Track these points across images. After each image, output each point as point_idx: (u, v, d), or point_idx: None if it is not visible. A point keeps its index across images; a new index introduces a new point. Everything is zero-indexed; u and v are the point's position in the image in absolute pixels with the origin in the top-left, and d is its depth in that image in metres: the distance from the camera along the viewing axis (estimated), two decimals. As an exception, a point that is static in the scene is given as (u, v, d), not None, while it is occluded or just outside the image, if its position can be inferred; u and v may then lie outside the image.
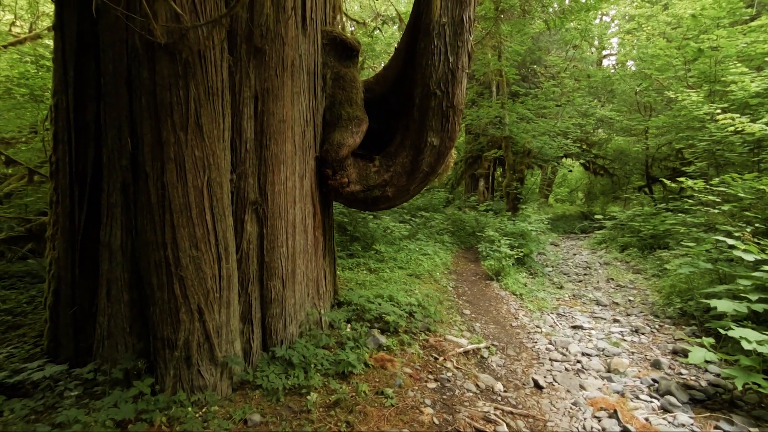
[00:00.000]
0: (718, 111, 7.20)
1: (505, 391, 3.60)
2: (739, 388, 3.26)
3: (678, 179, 6.96)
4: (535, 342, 4.87)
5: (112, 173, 2.94)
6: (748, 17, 9.74)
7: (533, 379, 3.88)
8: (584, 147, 15.38)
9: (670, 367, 4.20)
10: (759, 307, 3.80)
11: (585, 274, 8.34)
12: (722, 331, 3.67)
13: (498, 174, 16.16)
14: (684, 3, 11.07)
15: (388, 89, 4.38)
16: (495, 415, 3.10)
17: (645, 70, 11.70)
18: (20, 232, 5.40)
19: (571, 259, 9.89)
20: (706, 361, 3.67)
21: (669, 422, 3.27)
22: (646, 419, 3.31)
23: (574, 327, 5.42)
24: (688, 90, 8.94)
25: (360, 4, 14.58)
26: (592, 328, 5.36)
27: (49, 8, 9.18)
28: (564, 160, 16.80)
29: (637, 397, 3.67)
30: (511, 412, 3.21)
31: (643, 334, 5.10)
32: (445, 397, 3.26)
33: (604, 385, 3.89)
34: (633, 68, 14.92)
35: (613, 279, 7.76)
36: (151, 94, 2.74)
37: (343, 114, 4.01)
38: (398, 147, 4.05)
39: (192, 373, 2.86)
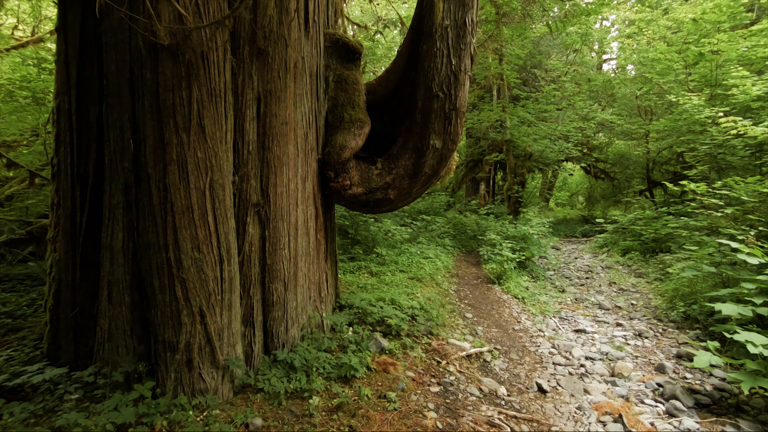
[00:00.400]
0: (720, 114, 7.20)
1: (508, 396, 3.57)
2: (746, 392, 3.23)
3: (680, 182, 6.94)
4: (538, 346, 4.84)
5: (114, 175, 2.93)
6: (748, 21, 9.77)
7: (537, 383, 3.84)
8: (585, 151, 15.40)
9: (674, 372, 4.17)
10: (764, 311, 3.77)
11: (587, 278, 8.31)
12: (727, 335, 3.65)
13: (499, 178, 16.16)
14: (684, 7, 11.11)
15: (390, 92, 4.38)
16: (499, 419, 3.07)
17: (646, 74, 11.72)
18: (21, 235, 5.39)
19: (573, 262, 9.86)
20: (712, 365, 3.64)
21: (675, 427, 3.23)
22: (652, 424, 3.28)
23: (577, 331, 5.39)
24: (689, 94, 8.95)
25: (361, 9, 14.63)
26: (595, 332, 5.33)
27: (52, 12, 9.22)
28: (565, 163, 16.80)
29: (642, 402, 3.63)
30: (515, 417, 3.18)
31: (646, 338, 5.06)
32: (448, 401, 3.23)
33: (608, 389, 3.85)
34: (633, 72, 14.96)
35: (615, 283, 7.73)
36: (154, 96, 2.73)
37: (346, 116, 4.00)
38: (400, 149, 4.04)
39: (193, 377, 2.83)
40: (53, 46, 7.77)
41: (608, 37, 18.67)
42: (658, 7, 14.30)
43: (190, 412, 2.64)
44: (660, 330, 5.26)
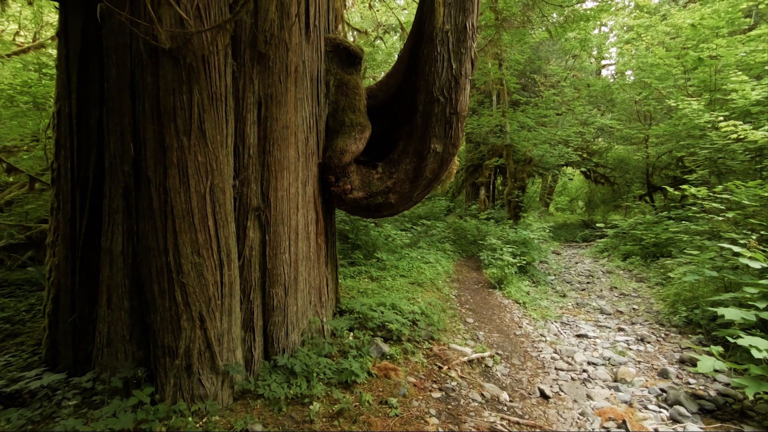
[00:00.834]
0: (720, 119, 7.21)
1: (510, 401, 3.53)
2: (750, 397, 3.21)
3: (680, 187, 6.94)
4: (540, 351, 4.81)
5: (114, 179, 2.92)
6: (746, 27, 9.81)
7: (539, 388, 3.81)
8: (585, 155, 15.41)
9: (677, 377, 4.14)
10: (767, 315, 3.75)
11: (588, 283, 8.28)
12: (731, 340, 3.62)
13: (499, 182, 16.17)
14: (683, 13, 11.16)
15: (391, 96, 4.38)
16: (501, 425, 3.04)
17: (645, 79, 11.76)
18: (20, 240, 5.37)
19: (574, 267, 9.84)
20: (715, 371, 3.61)
21: (679, 433, 3.20)
22: (656, 430, 3.24)
23: (579, 336, 5.36)
24: (689, 98, 8.96)
25: (361, 15, 14.71)
26: (597, 337, 5.30)
27: (53, 18, 9.26)
28: (565, 168, 16.82)
29: (646, 408, 3.60)
30: (518, 423, 3.15)
31: (649, 342, 5.03)
32: (450, 407, 3.20)
33: (611, 394, 3.82)
34: (632, 78, 15.00)
35: (616, 287, 7.70)
36: (155, 99, 2.73)
37: (346, 120, 4.00)
38: (401, 154, 4.03)
39: (192, 382, 2.80)
40: (54, 52, 7.80)
41: (607, 43, 18.75)
42: (657, 13, 14.38)
43: (190, 419, 2.61)
44: (662, 335, 5.23)
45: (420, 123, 3.89)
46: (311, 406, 2.83)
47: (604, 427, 3.26)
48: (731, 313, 3.79)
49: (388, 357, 3.74)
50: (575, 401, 3.66)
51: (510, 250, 8.19)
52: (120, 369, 2.86)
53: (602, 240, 11.50)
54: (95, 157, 3.11)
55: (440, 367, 3.83)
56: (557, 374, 4.23)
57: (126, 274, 2.93)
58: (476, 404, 3.33)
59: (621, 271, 8.91)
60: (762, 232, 5.30)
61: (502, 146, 13.48)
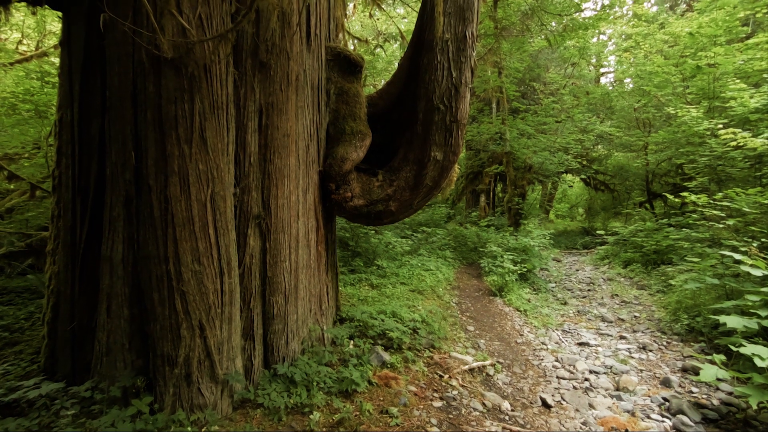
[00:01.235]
0: (720, 126, 7.23)
1: (512, 410, 3.50)
2: (754, 407, 3.18)
3: (680, 194, 6.94)
4: (541, 359, 4.78)
5: (115, 187, 2.92)
6: (744, 35, 9.88)
7: (541, 397, 3.78)
8: (584, 162, 15.44)
9: (680, 385, 4.11)
10: (769, 323, 3.73)
11: (589, 290, 8.26)
12: (733, 348, 3.60)
13: (499, 189, 16.18)
14: (680, 22, 11.25)
15: (391, 104, 4.40)
16: (503, 435, 3.01)
17: (643, 87, 11.82)
18: (20, 247, 5.37)
19: (574, 274, 9.81)
20: (718, 379, 3.59)
21: (682, 443, 3.17)
22: (659, 439, 3.21)
23: (580, 344, 5.33)
24: (688, 106, 9.00)
25: (362, 24, 14.83)
26: (599, 345, 5.27)
27: (56, 27, 9.34)
28: (564, 175, 16.84)
29: (648, 417, 3.57)
30: (520, 432, 3.12)
31: (650, 351, 5.00)
32: (451, 416, 3.18)
33: (613, 403, 3.79)
34: (631, 85, 15.08)
35: (617, 295, 7.67)
36: (156, 108, 2.74)
37: (347, 128, 4.02)
38: (402, 161, 4.05)
39: (192, 391, 2.78)
40: (57, 60, 7.85)
41: (606, 51, 18.89)
42: (655, 21, 14.50)
43: (189, 428, 2.59)
44: (664, 343, 5.20)
45: (420, 131, 3.91)
46: (311, 416, 2.81)
47: (606, 437, 3.23)
48: (733, 321, 3.77)
49: (389, 365, 3.72)
50: (577, 410, 3.64)
51: (510, 257, 8.18)
52: (119, 378, 2.84)
53: (603, 247, 11.48)
54: (96, 165, 3.11)
55: (441, 376, 3.80)
56: (559, 383, 4.20)
57: (126, 282, 2.92)
58: (477, 413, 3.30)
59: (622, 279, 8.88)
60: (763, 240, 5.30)
61: (502, 153, 13.51)
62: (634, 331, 5.72)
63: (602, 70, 20.40)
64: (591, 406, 3.73)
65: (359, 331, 4.20)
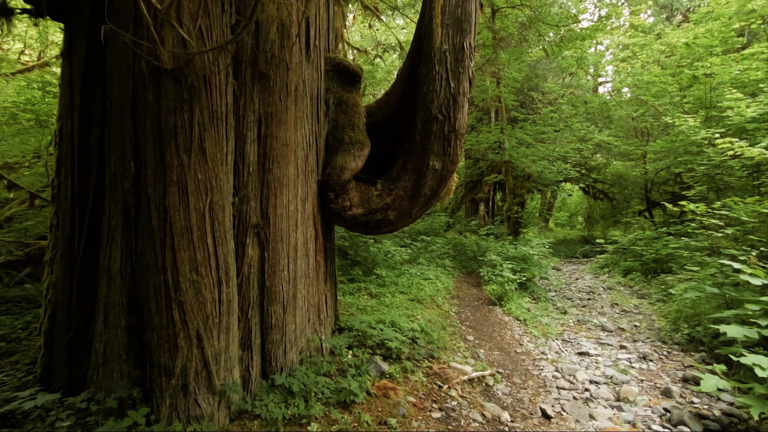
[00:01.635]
0: (717, 135, 7.27)
1: (512, 421, 3.47)
2: (755, 417, 3.15)
3: (679, 203, 6.95)
4: (541, 369, 4.75)
5: (114, 196, 2.93)
6: (740, 45, 9.98)
7: (541, 408, 3.75)
8: (583, 171, 15.49)
9: (681, 396, 4.08)
10: (770, 333, 3.71)
11: (589, 299, 8.23)
12: (734, 358, 3.58)
13: (498, 198, 16.20)
14: (677, 32, 11.37)
15: (390, 114, 4.43)
16: (503, 446, 2.98)
17: (641, 97, 11.90)
18: (19, 257, 5.35)
19: (574, 283, 9.78)
20: (719, 389, 3.56)
21: (684, 454, 3.14)
22: (660, 451, 3.18)
23: (581, 353, 5.30)
24: (685, 115, 9.06)
25: (361, 34, 14.97)
26: (599, 355, 5.24)
27: (58, 37, 9.42)
28: (563, 184, 16.87)
29: (649, 428, 3.54)
30: (520, 444, 3.09)
31: (651, 360, 4.97)
32: (450, 427, 3.15)
33: (614, 414, 3.76)
34: (629, 95, 15.19)
35: (617, 304, 7.64)
36: (156, 118, 2.76)
37: (346, 138, 4.04)
38: (400, 171, 4.06)
39: (189, 402, 2.76)
40: (58, 70, 7.90)
41: (603, 61, 19.05)
42: (651, 32, 14.65)
43: (185, 440, 2.57)
44: (665, 352, 5.17)
45: (419, 140, 3.93)
46: (309, 427, 2.78)
47: (607, 449, 3.20)
48: (733, 331, 3.75)
49: (388, 376, 3.70)
50: (577, 421, 3.60)
51: (510, 266, 8.16)
52: (115, 389, 2.82)
53: (602, 256, 11.47)
54: (96, 174, 3.12)
55: (440, 386, 3.78)
56: (559, 393, 4.17)
57: (124, 292, 2.91)
58: (477, 424, 3.27)
59: (622, 287, 8.86)
60: (762, 249, 5.30)
61: (501, 162, 13.56)
62: (635, 341, 5.69)
63: (600, 79, 20.56)
64: (591, 416, 3.70)
65: (358, 341, 4.18)
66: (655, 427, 3.54)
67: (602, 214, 17.33)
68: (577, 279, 10.34)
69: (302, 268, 3.60)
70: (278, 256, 3.34)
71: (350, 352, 3.96)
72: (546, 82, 16.09)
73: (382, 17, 9.95)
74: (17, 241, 5.66)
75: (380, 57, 12.27)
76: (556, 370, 4.71)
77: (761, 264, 4.63)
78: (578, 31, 11.25)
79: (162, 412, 2.72)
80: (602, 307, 7.60)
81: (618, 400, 4.05)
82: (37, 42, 9.72)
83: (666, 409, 3.79)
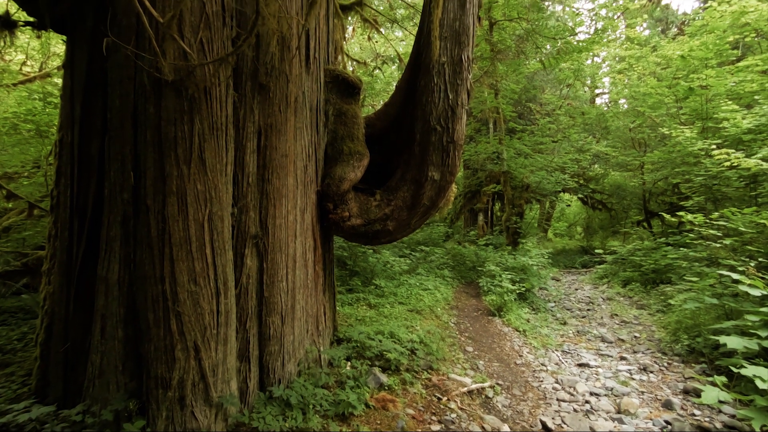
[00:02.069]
0: (713, 147, 7.32)
1: (512, 434, 3.44)
2: (757, 430, 3.13)
3: (677, 213, 6.98)
4: (541, 381, 4.71)
5: (113, 207, 2.93)
6: (734, 58, 10.11)
7: (541, 420, 3.72)
8: (581, 182, 15.55)
9: (682, 408, 4.04)
10: (770, 344, 3.70)
11: (588, 310, 8.20)
12: (734, 369, 3.57)
13: (497, 208, 16.22)
14: (672, 45, 11.51)
15: (389, 125, 4.46)
16: (503, 460, 2.95)
17: (638, 108, 12.01)
18: (16, 267, 5.33)
19: (574, 294, 9.76)
20: (720, 402, 3.54)
21: (686, 468, 3.10)
22: (662, 464, 3.15)
23: (581, 365, 5.27)
24: (681, 127, 9.13)
25: (360, 46, 15.13)
26: (599, 366, 5.21)
27: (60, 48, 9.50)
28: (562, 194, 16.92)
29: (651, 441, 3.50)
30: (520, 457, 3.06)
31: (651, 372, 4.94)
32: (449, 440, 3.11)
33: (615, 427, 3.73)
34: (626, 106, 15.33)
35: (617, 315, 7.62)
36: (156, 129, 2.77)
37: (345, 149, 4.06)
38: (399, 181, 4.07)
39: (185, 415, 2.73)
40: (59, 81, 7.95)
41: (600, 73, 19.25)
42: (647, 44, 14.84)
43: (181, 454, 2.53)
44: (665, 364, 5.14)
45: (418, 151, 3.95)
46: (307, 440, 2.75)
47: (608, 462, 3.17)
48: (734, 342, 3.74)
49: (386, 387, 3.67)
50: (578, 434, 3.57)
51: (509, 276, 8.14)
52: (111, 401, 2.79)
53: (601, 266, 11.45)
54: (95, 185, 3.13)
55: (439, 398, 3.74)
56: (559, 405, 4.14)
57: (121, 302, 2.90)
58: (477, 437, 3.24)
59: (621, 298, 8.83)
60: (760, 259, 5.30)
61: (500, 173, 13.61)
62: (635, 352, 5.66)
63: (597, 91, 20.75)
64: (592, 429, 3.67)
65: (357, 352, 4.15)
66: (656, 439, 3.51)
67: (601, 224, 17.35)
68: (576, 289, 10.32)
69: (301, 279, 3.59)
70: (277, 266, 3.34)
71: (349, 363, 3.93)
72: (544, 93, 16.24)
73: (381, 30, 10.08)
74: (15, 251, 5.65)
75: (379, 69, 12.39)
76: (556, 382, 4.68)
77: (760, 275, 4.63)
78: (575, 43, 11.39)
79: (158, 424, 2.69)
80: (602, 317, 7.58)
81: (619, 412, 4.02)
82: (39, 53, 9.80)
83: (667, 422, 3.76)
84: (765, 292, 4.17)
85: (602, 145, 14.92)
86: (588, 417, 3.92)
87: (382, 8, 10.87)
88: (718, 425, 3.63)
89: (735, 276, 4.41)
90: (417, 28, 4.37)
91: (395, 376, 3.89)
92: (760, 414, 3.16)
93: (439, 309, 6.95)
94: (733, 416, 3.75)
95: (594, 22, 16.41)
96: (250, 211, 3.23)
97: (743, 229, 5.74)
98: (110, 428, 2.67)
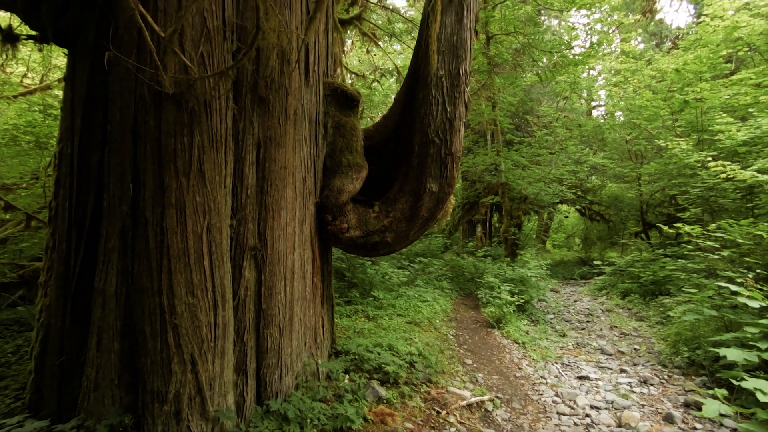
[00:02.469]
0: (709, 158, 7.39)
1: (512, 449, 3.40)
2: (759, 444, 3.10)
3: (675, 225, 7.00)
4: (541, 394, 4.67)
5: (112, 218, 2.92)
6: (728, 71, 10.25)
7: (541, 434, 3.68)
8: (579, 193, 15.62)
9: (683, 421, 4.01)
10: (770, 356, 3.69)
11: (587, 322, 8.17)
12: (735, 382, 3.54)
13: (495, 220, 16.25)
14: (667, 59, 11.69)
15: (387, 137, 4.49)
16: (503, 475, 2.91)
17: (634, 120, 12.13)
18: (12, 279, 5.29)
19: (573, 305, 9.73)
20: (721, 415, 3.51)
21: (688, 483, 3.07)
22: (664, 479, 3.11)
23: (580, 378, 5.23)
24: (677, 139, 9.21)
25: (359, 59, 15.30)
26: (599, 379, 5.17)
27: (61, 61, 9.58)
28: (560, 206, 16.99)
29: (652, 455, 3.46)
30: (520, 472, 3.02)
31: (652, 385, 4.91)
32: (449, 455, 3.07)
33: (615, 441, 3.69)
34: (622, 118, 15.48)
35: (616, 326, 7.59)
36: (156, 141, 2.79)
37: (344, 161, 4.08)
38: (398, 193, 4.09)
39: (181, 429, 2.69)
40: (60, 93, 8.00)
41: (596, 85, 19.47)
42: (642, 58, 15.04)
43: (176, 470, 2.49)
44: (665, 376, 5.11)
45: (416, 163, 3.98)
46: (304, 455, 2.72)
47: (610, 477, 3.12)
48: (734, 354, 3.73)
49: (385, 401, 3.63)
50: (579, 448, 3.53)
51: (508, 288, 8.12)
52: (106, 415, 2.75)
53: (600, 277, 11.44)
54: (94, 197, 3.13)
55: (438, 412, 3.71)
56: (559, 419, 4.09)
57: (118, 315, 2.87)
58: (476, 452, 3.20)
59: (620, 310, 8.81)
60: (758, 271, 5.31)
61: (498, 184, 13.66)
62: (635, 364, 5.63)
63: (593, 103, 20.96)
64: (593, 443, 3.63)
65: (355, 365, 4.12)
66: (657, 454, 3.47)
67: (599, 235, 17.38)
68: (575, 301, 10.29)
69: (299, 291, 3.58)
70: (275, 278, 3.33)
71: (347, 376, 3.90)
72: (540, 105, 16.39)
73: (380, 43, 10.21)
74: (11, 263, 5.62)
75: (378, 81, 12.51)
76: (556, 395, 4.64)
77: (758, 286, 4.63)
78: (571, 57, 11.55)
79: (153, 439, 2.66)
80: (601, 329, 7.55)
81: (619, 425, 3.98)
82: (40, 66, 9.87)
83: (668, 436, 3.72)
84: (764, 304, 4.17)
85: (599, 156, 15.03)
86: (588, 431, 3.88)
87: (380, 22, 11.02)
88: (720, 439, 3.60)
89: (733, 287, 4.41)
90: (415, 42, 4.44)
91: (394, 389, 3.85)
92: (761, 427, 3.13)
93: (437, 321, 6.92)
94: (734, 430, 3.72)
95: (589, 36, 16.69)
96: (249, 223, 3.23)
97: (740, 241, 5.76)
98: (105, 443, 2.63)
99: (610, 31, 17.38)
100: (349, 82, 11.20)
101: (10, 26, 3.87)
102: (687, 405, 4.32)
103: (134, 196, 2.86)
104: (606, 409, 4.33)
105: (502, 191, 13.51)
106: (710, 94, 8.88)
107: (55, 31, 3.40)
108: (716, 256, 6.10)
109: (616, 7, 14.24)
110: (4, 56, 3.86)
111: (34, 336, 3.38)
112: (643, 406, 4.39)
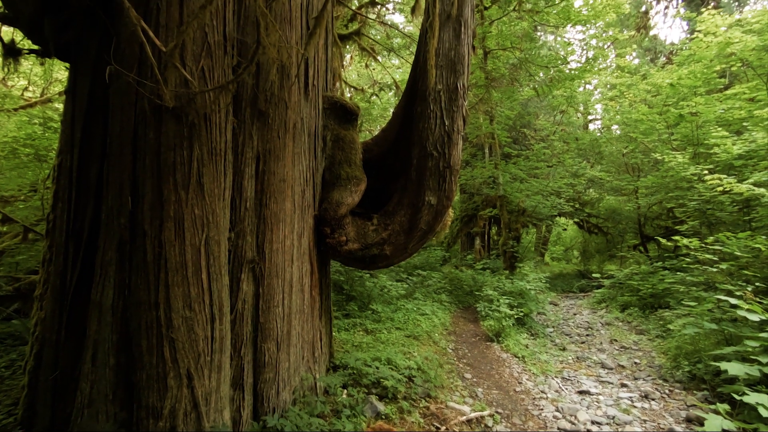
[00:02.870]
0: (706, 172, 7.44)
1: (512, 465, 3.34)
2: (763, 460, 3.06)
3: (673, 238, 7.01)
4: (542, 409, 4.61)
5: (110, 231, 2.92)
6: (722, 86, 10.39)
7: (542, 451, 3.62)
8: (577, 206, 15.67)
9: (685, 437, 3.96)
10: (771, 370, 3.67)
11: (587, 335, 8.11)
12: (737, 397, 3.51)
13: (494, 232, 16.26)
14: (661, 73, 11.84)
15: (386, 150, 4.52)
16: (504, 493, 2.85)
17: (630, 134, 12.24)
18: (8, 291, 5.25)
19: (572, 319, 9.68)
20: (724, 430, 3.46)
21: (692, 501, 3.01)
22: (667, 497, 3.05)
23: (581, 392, 5.17)
24: (674, 152, 9.29)
25: (358, 73, 15.47)
26: (600, 394, 5.11)
27: (62, 75, 9.66)
28: (558, 218, 17.02)
29: (655, 472, 3.41)
30: (521, 490, 2.96)
31: (653, 399, 4.85)
32: (448, 472, 3.02)
33: (617, 457, 3.63)
34: (618, 132, 15.63)
35: (616, 340, 7.53)
36: (155, 154, 2.80)
37: (342, 174, 4.09)
38: (396, 206, 4.10)
39: (176, 446, 2.64)
40: (60, 106, 8.05)
41: (592, 99, 19.70)
42: (637, 72, 15.25)
43: (171, 488, 2.44)
44: (666, 391, 5.06)
45: (414, 176, 3.99)
46: (301, 473, 2.66)
47: (612, 495, 3.07)
48: (734, 368, 3.70)
49: (383, 416, 3.58)
50: (580, 465, 3.47)
51: (507, 301, 8.08)
52: (100, 432, 2.71)
53: (599, 290, 11.41)
54: (92, 209, 3.12)
55: (438, 428, 3.65)
56: (560, 435, 4.04)
57: (114, 328, 2.84)
58: (476, 469, 3.15)
59: (620, 323, 8.76)
60: (757, 284, 5.30)
61: (496, 197, 13.70)
62: (635, 379, 5.58)
63: (590, 117, 21.18)
64: (595, 460, 3.57)
65: (353, 380, 4.07)
66: (660, 471, 3.42)
67: (597, 248, 17.38)
68: (574, 314, 10.24)
69: (297, 304, 3.55)
70: (273, 291, 3.31)
71: (345, 391, 3.85)
72: (538, 119, 16.55)
73: (379, 57, 10.34)
74: (7, 275, 5.57)
75: (376, 95, 12.64)
76: (557, 410, 4.58)
77: (757, 299, 4.62)
78: (567, 71, 11.70)
79: (148, 456, 2.61)
80: (601, 343, 7.49)
81: (621, 441, 3.92)
82: (41, 79, 9.94)
83: (671, 452, 3.67)
84: (763, 317, 4.16)
85: (596, 169, 15.12)
86: (590, 447, 3.82)
87: (379, 37, 11.18)
88: (723, 455, 3.55)
89: (733, 301, 4.40)
90: (413, 57, 4.49)
91: (392, 404, 3.80)
92: (764, 443, 3.10)
93: (436, 334, 6.86)
94: (737, 446, 3.68)
95: (585, 52, 16.92)
96: (247, 236, 3.22)
97: (739, 254, 5.76)
98: (98, 461, 2.58)
99: (606, 46, 17.66)
100: (348, 95, 11.31)
101: (12, 41, 3.91)
102: (689, 420, 4.27)
103: (133, 208, 2.85)
104: (607, 424, 4.28)
105: (500, 204, 13.54)
106: (705, 108, 8.99)
107: (57, 46, 3.44)
108: (715, 269, 6.09)
109: (611, 24, 14.47)
110: (6, 70, 3.90)
111: (28, 350, 3.34)
112: (644, 421, 4.34)
